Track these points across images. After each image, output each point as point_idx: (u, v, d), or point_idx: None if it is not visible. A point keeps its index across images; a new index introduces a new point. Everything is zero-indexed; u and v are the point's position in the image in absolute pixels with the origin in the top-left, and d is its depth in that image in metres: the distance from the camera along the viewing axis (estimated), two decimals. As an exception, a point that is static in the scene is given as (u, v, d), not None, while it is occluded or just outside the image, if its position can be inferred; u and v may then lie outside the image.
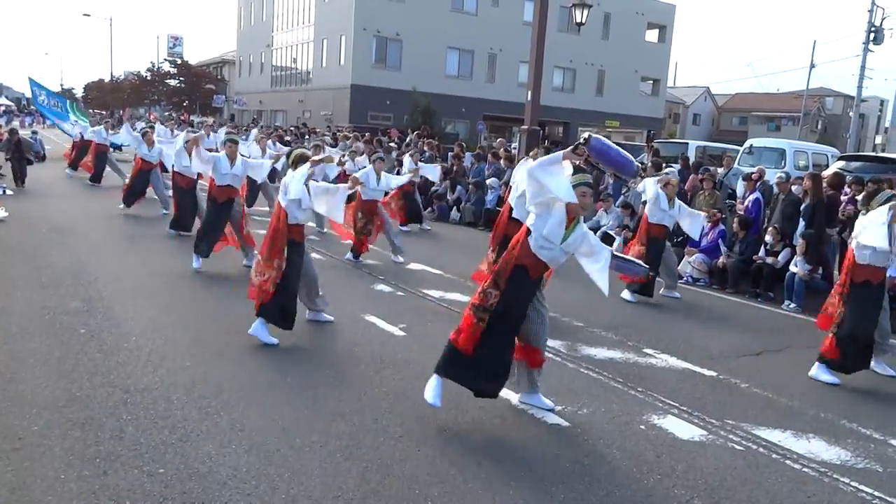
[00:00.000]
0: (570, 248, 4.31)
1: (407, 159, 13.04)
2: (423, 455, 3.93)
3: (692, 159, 16.93)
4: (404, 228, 12.29)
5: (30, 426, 3.95)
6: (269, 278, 5.67)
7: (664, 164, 12.16)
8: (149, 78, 56.56)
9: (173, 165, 10.01)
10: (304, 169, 5.78)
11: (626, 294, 8.28)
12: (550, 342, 6.13)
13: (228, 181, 8.05)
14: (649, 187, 8.23)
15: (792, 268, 8.70)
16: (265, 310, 5.69)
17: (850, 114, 40.02)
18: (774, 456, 4.27)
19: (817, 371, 5.81)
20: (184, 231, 9.98)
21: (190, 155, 8.79)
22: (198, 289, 7.50)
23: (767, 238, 9.34)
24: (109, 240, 9.93)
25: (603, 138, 4.53)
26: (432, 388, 4.33)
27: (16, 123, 42.51)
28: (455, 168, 15.81)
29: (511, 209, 6.94)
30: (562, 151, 4.28)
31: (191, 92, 53.73)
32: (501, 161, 15.48)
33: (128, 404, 4.32)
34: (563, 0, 21.98)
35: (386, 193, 10.72)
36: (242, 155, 8.72)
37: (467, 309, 4.37)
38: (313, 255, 9.36)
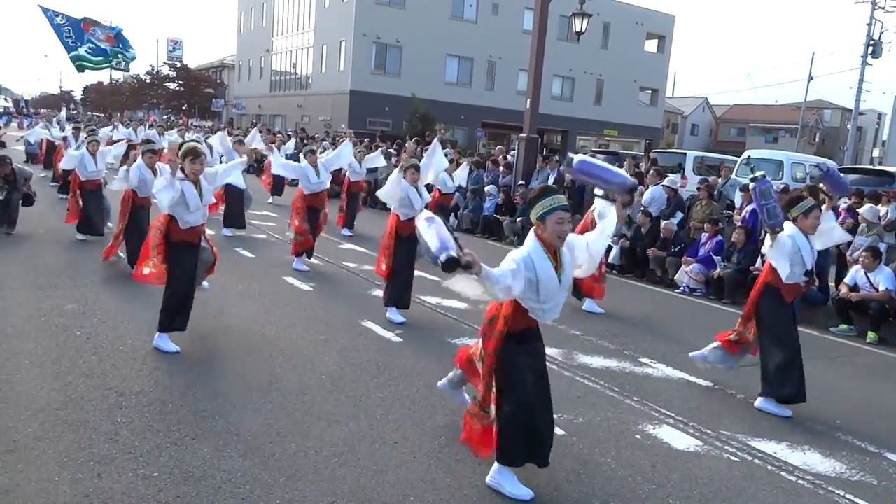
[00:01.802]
0: (569, 280, 3.75)
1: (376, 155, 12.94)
2: (419, 462, 3.93)
3: (690, 169, 17.06)
4: (346, 232, 12.44)
5: (24, 428, 3.93)
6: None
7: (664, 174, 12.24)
8: (148, 81, 56.62)
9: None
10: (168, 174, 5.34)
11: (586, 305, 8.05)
12: (546, 350, 6.13)
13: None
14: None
15: (788, 279, 8.70)
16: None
17: (848, 126, 40.22)
18: (770, 467, 4.27)
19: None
20: (93, 234, 9.74)
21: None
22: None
23: (764, 249, 9.35)
24: (105, 242, 9.90)
25: (587, 158, 4.03)
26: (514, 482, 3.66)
27: (14, 125, 42.52)
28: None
29: None
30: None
31: (190, 96, 53.78)
32: (500, 168, 15.51)
33: (123, 407, 4.31)
34: (563, 9, 22.09)
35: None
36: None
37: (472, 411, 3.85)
38: (312, 260, 9.40)
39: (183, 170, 5.41)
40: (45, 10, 21.27)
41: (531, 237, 3.62)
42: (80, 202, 9.84)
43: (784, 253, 5.25)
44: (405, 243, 6.89)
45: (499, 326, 3.64)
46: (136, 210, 7.91)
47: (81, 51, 21.62)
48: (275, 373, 5.15)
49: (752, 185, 5.24)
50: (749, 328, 5.50)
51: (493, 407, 3.67)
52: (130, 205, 7.89)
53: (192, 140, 6.63)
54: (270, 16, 44.75)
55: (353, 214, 12.80)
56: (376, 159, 12.61)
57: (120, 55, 23.38)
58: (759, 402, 5.30)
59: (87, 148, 9.80)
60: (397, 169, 7.25)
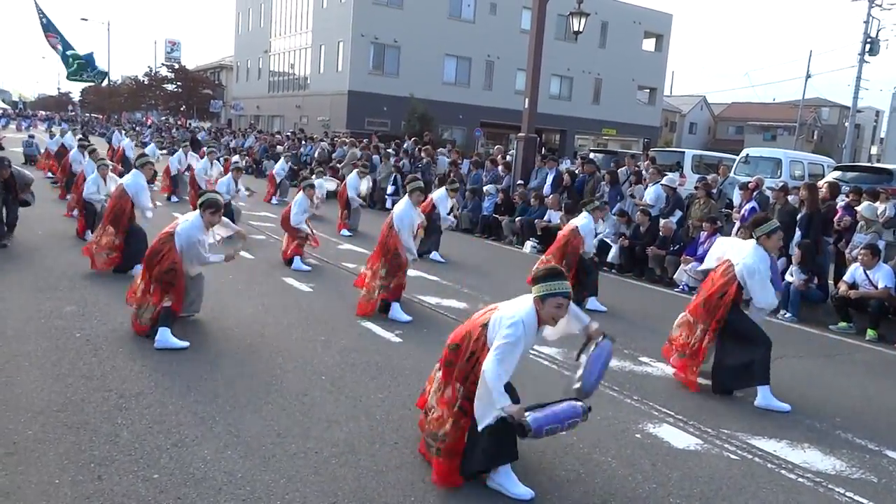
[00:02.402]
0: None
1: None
2: (419, 462, 3.92)
3: (689, 168, 17.08)
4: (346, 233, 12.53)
5: (24, 430, 3.93)
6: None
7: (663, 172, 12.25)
8: (146, 83, 56.59)
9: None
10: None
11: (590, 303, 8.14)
12: (546, 349, 6.14)
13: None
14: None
15: (788, 277, 8.73)
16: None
17: (846, 124, 40.24)
18: (770, 465, 4.28)
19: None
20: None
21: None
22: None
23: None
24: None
25: (538, 416, 3.62)
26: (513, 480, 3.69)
27: (12, 126, 42.48)
28: (451, 174, 15.83)
29: None
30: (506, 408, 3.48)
31: (188, 97, 53.77)
32: (499, 168, 15.51)
33: (123, 409, 4.31)
34: (561, 8, 22.06)
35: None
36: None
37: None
38: (311, 260, 9.41)
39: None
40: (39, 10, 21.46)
41: (531, 306, 3.62)
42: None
43: (766, 279, 5.37)
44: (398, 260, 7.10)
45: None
46: (130, 219, 8.20)
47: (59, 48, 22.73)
48: (275, 374, 5.15)
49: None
50: (704, 336, 5.54)
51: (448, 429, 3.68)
52: (128, 215, 8.14)
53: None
54: (268, 16, 44.73)
55: (355, 220, 12.87)
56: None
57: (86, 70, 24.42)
58: (758, 399, 5.31)
59: (98, 172, 9.88)
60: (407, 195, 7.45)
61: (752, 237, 5.53)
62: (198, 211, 5.86)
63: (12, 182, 9.39)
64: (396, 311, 6.98)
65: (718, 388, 5.50)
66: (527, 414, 3.50)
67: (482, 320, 3.77)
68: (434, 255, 10.62)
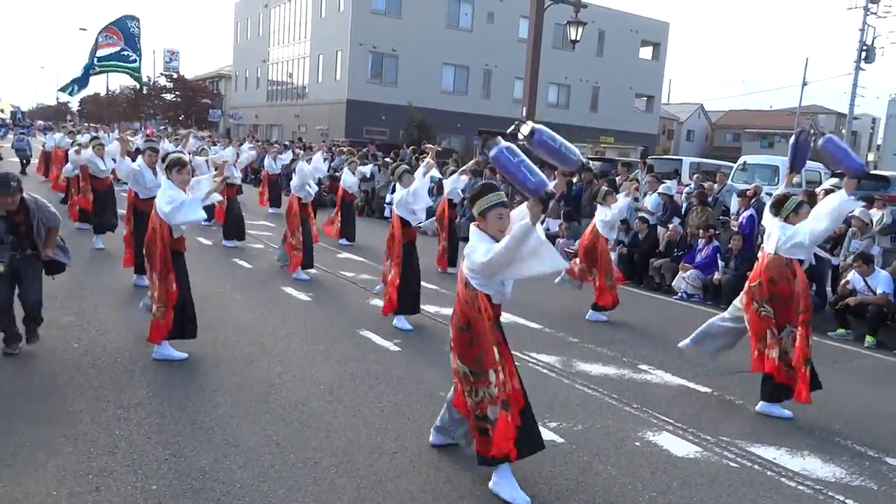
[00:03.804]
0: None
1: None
2: (418, 471, 3.92)
3: (686, 175, 17.12)
4: (342, 242, 12.44)
5: (22, 442, 3.92)
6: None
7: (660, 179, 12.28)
8: (145, 92, 56.66)
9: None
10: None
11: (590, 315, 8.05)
12: (546, 357, 6.15)
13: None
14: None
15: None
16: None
17: (843, 131, 40.32)
18: (769, 473, 4.27)
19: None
20: (109, 229, 10.16)
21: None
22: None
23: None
24: (103, 254, 9.89)
25: (546, 129, 3.92)
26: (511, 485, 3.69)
27: (10, 136, 42.53)
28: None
29: None
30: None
31: (187, 106, 53.82)
32: (498, 176, 15.52)
33: (121, 420, 4.30)
34: (558, 17, 22.17)
35: None
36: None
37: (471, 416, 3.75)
38: (312, 270, 9.40)
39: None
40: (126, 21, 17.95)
41: (475, 230, 3.79)
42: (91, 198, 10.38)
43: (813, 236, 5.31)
44: (410, 251, 7.17)
45: (484, 320, 3.71)
46: (138, 214, 7.89)
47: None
48: (273, 383, 5.14)
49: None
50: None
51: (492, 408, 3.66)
52: (132, 209, 7.95)
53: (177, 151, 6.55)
54: (267, 26, 44.87)
55: (352, 225, 12.81)
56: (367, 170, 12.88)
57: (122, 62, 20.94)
58: (759, 406, 5.30)
59: (93, 150, 10.26)
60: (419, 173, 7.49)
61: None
62: (165, 177, 5.56)
63: (26, 221, 5.21)
64: (400, 319, 7.03)
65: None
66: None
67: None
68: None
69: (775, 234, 5.42)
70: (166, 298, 5.44)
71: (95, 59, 17.02)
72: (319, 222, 12.15)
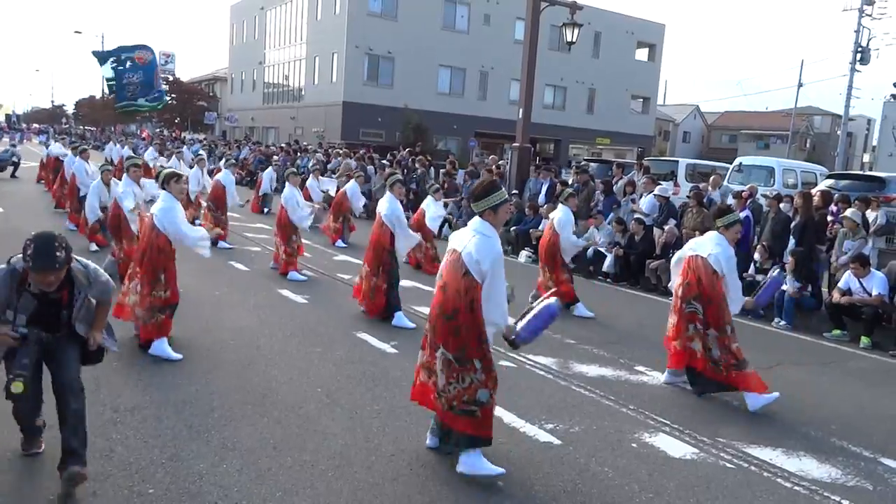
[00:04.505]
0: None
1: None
2: (415, 474, 3.92)
3: (682, 176, 17.15)
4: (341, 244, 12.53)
5: (17, 446, 3.90)
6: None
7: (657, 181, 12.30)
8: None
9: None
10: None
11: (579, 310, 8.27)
12: (542, 359, 6.15)
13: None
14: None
15: (783, 287, 8.74)
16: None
17: (838, 132, 40.47)
18: (766, 474, 4.28)
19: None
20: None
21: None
22: (189, 306, 7.45)
23: (756, 256, 9.40)
24: (100, 255, 9.87)
25: (523, 328, 4.17)
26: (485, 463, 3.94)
27: (6, 140, 42.39)
28: (446, 184, 15.88)
29: None
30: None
31: (182, 109, 53.68)
32: (494, 177, 15.55)
33: (117, 423, 4.29)
34: (554, 19, 22.18)
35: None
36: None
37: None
38: (305, 271, 9.40)
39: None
40: (99, 55, 17.09)
41: (482, 222, 3.97)
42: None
43: (733, 267, 5.60)
44: (394, 256, 7.40)
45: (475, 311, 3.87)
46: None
47: (141, 100, 16.57)
48: (270, 386, 5.14)
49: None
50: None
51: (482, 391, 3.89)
52: (120, 224, 8.07)
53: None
54: (263, 28, 44.83)
55: (346, 229, 12.88)
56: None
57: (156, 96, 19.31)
58: (750, 404, 5.40)
59: (101, 179, 9.87)
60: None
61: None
62: (163, 191, 5.86)
63: (68, 301, 3.61)
64: (400, 318, 7.16)
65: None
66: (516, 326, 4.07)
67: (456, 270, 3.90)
68: None
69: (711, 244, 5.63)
70: (161, 303, 5.65)
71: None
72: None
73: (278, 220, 9.43)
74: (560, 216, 8.30)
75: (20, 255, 3.31)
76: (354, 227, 13.08)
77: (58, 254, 3.26)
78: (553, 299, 4.22)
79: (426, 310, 7.83)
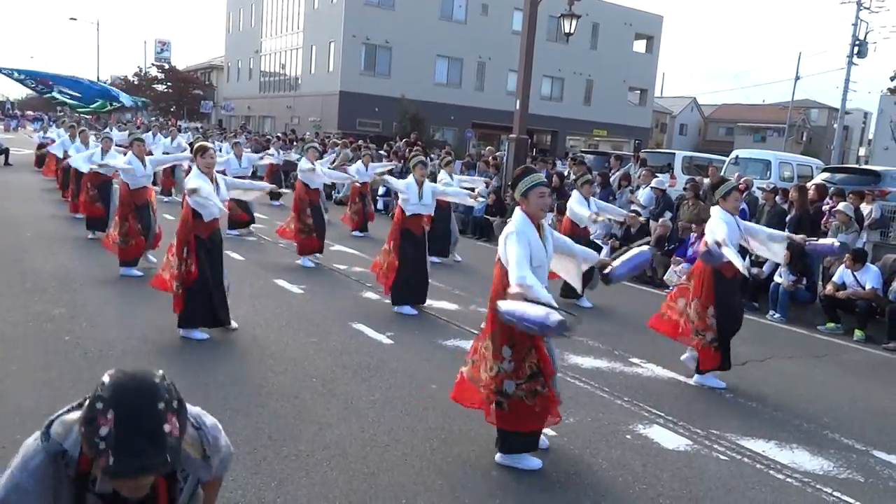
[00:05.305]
0: (552, 249, 4.05)
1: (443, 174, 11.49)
2: (410, 464, 3.93)
3: (679, 169, 17.16)
4: (357, 234, 12.59)
5: (12, 435, 3.90)
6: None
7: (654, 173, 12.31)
8: (136, 83, 56.23)
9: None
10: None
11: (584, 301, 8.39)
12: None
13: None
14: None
15: (776, 278, 8.79)
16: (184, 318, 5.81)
17: (835, 126, 40.51)
18: (758, 466, 4.31)
19: (703, 379, 5.72)
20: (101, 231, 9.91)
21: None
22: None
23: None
24: (95, 246, 9.85)
25: (624, 270, 4.29)
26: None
27: (0, 126, 42.13)
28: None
29: None
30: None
31: (178, 97, 53.50)
32: (490, 169, 15.53)
33: (113, 412, 4.28)
34: (552, 10, 22.12)
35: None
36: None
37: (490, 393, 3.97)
38: (318, 255, 9.40)
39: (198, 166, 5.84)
40: (3, 70, 21.42)
41: (518, 213, 3.94)
42: (89, 195, 10.23)
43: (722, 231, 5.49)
44: (409, 239, 7.34)
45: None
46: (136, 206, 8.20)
47: (55, 93, 21.95)
48: (266, 376, 5.15)
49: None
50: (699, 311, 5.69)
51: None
52: (129, 201, 8.16)
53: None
54: (259, 16, 44.60)
55: (366, 216, 12.91)
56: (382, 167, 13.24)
57: (104, 100, 23.44)
58: (695, 378, 5.65)
59: (101, 147, 10.48)
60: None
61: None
62: (193, 166, 5.97)
63: (167, 497, 1.98)
64: (402, 307, 7.30)
65: None
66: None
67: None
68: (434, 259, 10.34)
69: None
70: (183, 278, 5.77)
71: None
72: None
73: (295, 195, 9.83)
74: (571, 200, 8.41)
75: (70, 416, 1.85)
76: (373, 216, 13.22)
77: (165, 431, 1.70)
78: (647, 247, 4.36)
79: (426, 301, 7.86)
